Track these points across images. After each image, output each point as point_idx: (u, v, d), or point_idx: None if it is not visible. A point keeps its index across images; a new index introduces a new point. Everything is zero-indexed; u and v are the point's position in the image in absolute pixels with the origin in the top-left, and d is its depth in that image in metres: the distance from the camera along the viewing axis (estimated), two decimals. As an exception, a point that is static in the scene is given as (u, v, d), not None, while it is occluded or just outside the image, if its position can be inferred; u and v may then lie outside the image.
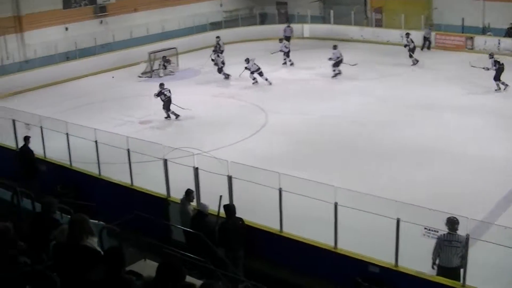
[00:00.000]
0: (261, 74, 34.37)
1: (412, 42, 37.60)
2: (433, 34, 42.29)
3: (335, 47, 35.51)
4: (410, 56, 37.43)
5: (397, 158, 22.71)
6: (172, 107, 28.86)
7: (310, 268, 15.65)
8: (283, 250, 16.11)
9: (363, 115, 27.80)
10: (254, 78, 34.47)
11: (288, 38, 42.89)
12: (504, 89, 30.76)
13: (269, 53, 39.18)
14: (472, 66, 33.25)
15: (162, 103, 28.75)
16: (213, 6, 50.14)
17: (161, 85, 29.05)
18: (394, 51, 40.82)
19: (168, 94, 28.72)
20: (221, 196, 15.93)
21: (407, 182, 20.40)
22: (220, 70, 36.39)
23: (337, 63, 35.09)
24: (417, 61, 37.32)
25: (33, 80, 36.39)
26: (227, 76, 36.14)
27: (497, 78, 30.85)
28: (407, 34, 37.94)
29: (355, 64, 35.53)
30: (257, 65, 34.42)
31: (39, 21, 38.97)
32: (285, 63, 39.25)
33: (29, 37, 38.72)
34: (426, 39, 41.91)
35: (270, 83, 34.33)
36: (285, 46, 39.09)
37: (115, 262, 7.46)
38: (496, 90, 30.90)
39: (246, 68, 34.46)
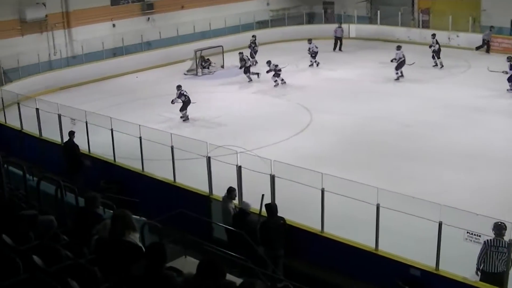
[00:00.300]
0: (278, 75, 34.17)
1: (438, 43, 36.96)
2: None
3: (398, 47, 34.87)
4: (433, 57, 37.01)
5: (442, 161, 22.41)
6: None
7: (350, 270, 15.57)
8: (324, 251, 16.05)
9: (410, 116, 27.50)
10: (275, 80, 34.10)
11: (339, 39, 42.94)
12: None
13: (320, 52, 39.00)
14: (490, 71, 32.87)
15: (188, 103, 28.82)
16: (259, 4, 50.07)
17: (179, 87, 29.00)
18: (441, 52, 40.45)
19: (187, 94, 28.78)
20: (263, 195, 15.93)
21: (452, 186, 20.15)
22: (246, 71, 36.00)
23: (400, 64, 34.39)
24: (442, 65, 36.76)
25: (79, 75, 36.74)
26: (251, 78, 35.78)
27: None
28: (433, 35, 37.28)
29: (412, 63, 35.21)
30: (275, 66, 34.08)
31: (87, 17, 39.28)
32: (311, 64, 38.91)
33: (76, 33, 39.05)
34: (485, 41, 40.80)
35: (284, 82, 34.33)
36: (315, 46, 38.72)
37: (156, 257, 7.46)
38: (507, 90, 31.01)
39: (269, 70, 34.15)
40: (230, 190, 16.65)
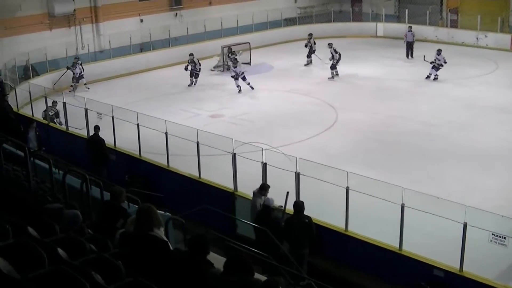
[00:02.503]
0: (244, 78, 33.23)
1: (444, 60, 33.92)
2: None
3: (439, 52, 33.87)
4: (434, 67, 34.26)
5: (467, 162, 22.28)
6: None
7: (373, 269, 15.53)
8: (347, 249, 16.02)
9: (436, 116, 27.36)
10: (238, 85, 33.15)
11: (410, 45, 40.09)
12: None
13: (342, 51, 38.84)
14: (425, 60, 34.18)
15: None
16: (287, 2, 50.06)
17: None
18: (469, 52, 40.27)
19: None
20: (288, 193, 15.92)
21: (477, 186, 20.02)
22: (333, 67, 35.49)
23: (437, 67, 33.76)
24: (436, 77, 34.33)
25: (106, 70, 36.95)
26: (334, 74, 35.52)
27: None
28: (439, 51, 34.09)
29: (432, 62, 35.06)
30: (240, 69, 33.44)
31: (115, 12, 39.51)
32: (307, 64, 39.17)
33: (104, 28, 39.28)
34: None
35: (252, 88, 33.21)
36: (314, 42, 38.74)
37: (198, 249, 7.56)
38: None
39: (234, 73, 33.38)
40: (263, 187, 16.57)
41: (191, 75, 34.52)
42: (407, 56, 39.81)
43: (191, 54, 34.65)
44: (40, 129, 25.21)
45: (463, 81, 33.67)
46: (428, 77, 33.86)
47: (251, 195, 16.74)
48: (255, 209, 16.43)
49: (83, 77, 34.01)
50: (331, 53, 35.11)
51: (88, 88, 33.78)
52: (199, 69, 34.65)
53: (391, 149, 23.83)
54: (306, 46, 39.26)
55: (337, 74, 35.28)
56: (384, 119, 27.37)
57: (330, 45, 35.54)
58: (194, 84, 34.45)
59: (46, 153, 17.19)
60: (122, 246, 8.40)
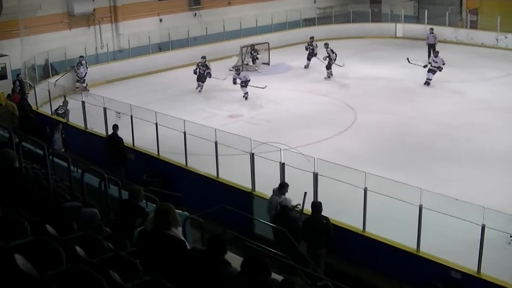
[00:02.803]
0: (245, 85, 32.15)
1: (442, 61, 32.68)
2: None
3: (436, 54, 33.31)
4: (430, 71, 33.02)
5: (486, 163, 22.14)
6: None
7: (390, 270, 15.49)
8: (365, 250, 15.99)
9: (456, 117, 27.21)
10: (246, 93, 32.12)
11: (432, 47, 38.67)
12: None
13: (361, 51, 38.78)
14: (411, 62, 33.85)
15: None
16: (307, 2, 49.99)
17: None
18: (488, 53, 40.03)
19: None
20: (305, 193, 15.91)
21: (495, 188, 19.88)
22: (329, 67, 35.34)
23: (434, 70, 32.85)
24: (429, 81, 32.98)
25: (125, 69, 37.06)
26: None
27: None
28: (436, 53, 33.44)
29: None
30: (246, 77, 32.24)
31: (134, 11, 39.61)
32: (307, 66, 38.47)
33: (123, 27, 39.39)
34: None
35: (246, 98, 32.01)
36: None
37: (216, 248, 7.57)
38: None
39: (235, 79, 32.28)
40: (282, 186, 16.56)
41: (198, 79, 33.39)
42: (429, 58, 38.78)
43: (203, 57, 33.72)
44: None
45: (482, 82, 33.48)
46: (427, 83, 32.81)
47: (270, 194, 16.73)
48: (273, 206, 16.44)
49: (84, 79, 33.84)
50: (328, 53, 34.94)
51: (88, 90, 32.65)
52: (210, 74, 33.44)
53: (410, 150, 23.73)
54: (306, 49, 38.40)
55: (332, 75, 35.27)
56: (403, 120, 27.28)
57: (326, 45, 35.28)
58: (201, 90, 33.56)
59: (71, 155, 17.20)
60: (140, 244, 8.42)
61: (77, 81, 33.52)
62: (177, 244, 7.91)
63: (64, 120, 25.98)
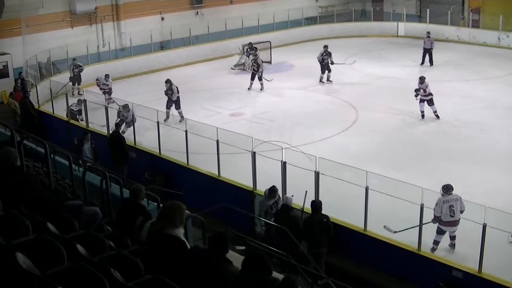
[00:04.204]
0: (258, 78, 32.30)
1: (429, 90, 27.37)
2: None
3: (421, 80, 27.41)
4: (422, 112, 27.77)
5: (487, 162, 22.10)
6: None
7: (392, 269, 15.51)
8: (366, 249, 16.00)
9: (459, 117, 27.17)
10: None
11: (428, 52, 37.19)
12: None
13: (363, 50, 38.68)
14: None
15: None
16: (308, 1, 49.95)
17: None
18: (490, 53, 40.00)
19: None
20: (306, 191, 15.92)
21: (496, 187, 19.86)
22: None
23: (422, 99, 27.39)
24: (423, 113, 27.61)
25: (127, 68, 37.13)
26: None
27: None
28: (421, 79, 27.54)
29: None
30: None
31: (136, 10, 39.66)
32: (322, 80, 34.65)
33: (125, 26, 39.44)
34: None
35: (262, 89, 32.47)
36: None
37: (218, 247, 7.61)
38: None
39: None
40: (273, 190, 16.69)
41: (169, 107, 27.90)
42: (421, 64, 37.39)
43: (167, 81, 28.50)
44: (62, 127, 25.39)
45: (484, 82, 33.43)
46: (422, 116, 27.57)
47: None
48: (263, 209, 16.82)
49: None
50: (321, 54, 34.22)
51: (81, 94, 30.48)
52: (177, 97, 27.94)
53: (411, 149, 23.72)
54: (323, 61, 34.18)
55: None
56: (406, 119, 27.28)
57: (325, 47, 34.51)
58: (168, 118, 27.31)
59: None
60: (148, 243, 8.43)
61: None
62: (176, 245, 7.90)
63: (78, 121, 25.93)
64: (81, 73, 33.25)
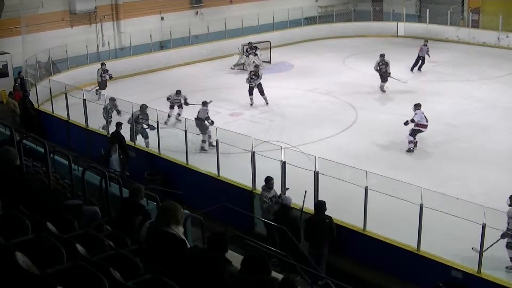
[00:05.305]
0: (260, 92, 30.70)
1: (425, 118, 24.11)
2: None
3: (417, 107, 24.21)
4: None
5: (487, 162, 22.11)
6: None
7: (391, 269, 15.52)
8: (365, 249, 16.00)
9: (459, 117, 27.15)
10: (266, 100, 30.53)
11: (421, 59, 36.25)
12: None
13: (362, 50, 38.56)
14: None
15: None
16: (308, 1, 49.91)
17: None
18: (490, 53, 39.99)
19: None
20: (306, 191, 15.93)
21: (496, 188, 19.82)
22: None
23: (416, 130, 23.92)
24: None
25: (127, 67, 37.06)
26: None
27: None
28: (416, 106, 24.32)
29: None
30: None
31: (136, 10, 39.66)
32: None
33: (125, 25, 39.45)
34: None
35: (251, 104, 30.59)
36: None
37: (217, 246, 7.63)
38: None
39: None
40: (267, 180, 16.66)
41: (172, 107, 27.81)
42: (412, 69, 36.38)
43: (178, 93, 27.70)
44: (61, 126, 25.38)
45: (484, 82, 33.41)
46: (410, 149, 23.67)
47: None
48: (263, 201, 16.75)
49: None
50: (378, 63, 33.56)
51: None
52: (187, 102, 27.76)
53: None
54: (380, 70, 32.67)
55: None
56: (404, 119, 27.16)
57: (382, 56, 32.92)
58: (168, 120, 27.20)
59: (66, 149, 17.12)
60: (148, 242, 8.44)
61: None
62: (177, 243, 7.91)
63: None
64: (107, 80, 32.42)
